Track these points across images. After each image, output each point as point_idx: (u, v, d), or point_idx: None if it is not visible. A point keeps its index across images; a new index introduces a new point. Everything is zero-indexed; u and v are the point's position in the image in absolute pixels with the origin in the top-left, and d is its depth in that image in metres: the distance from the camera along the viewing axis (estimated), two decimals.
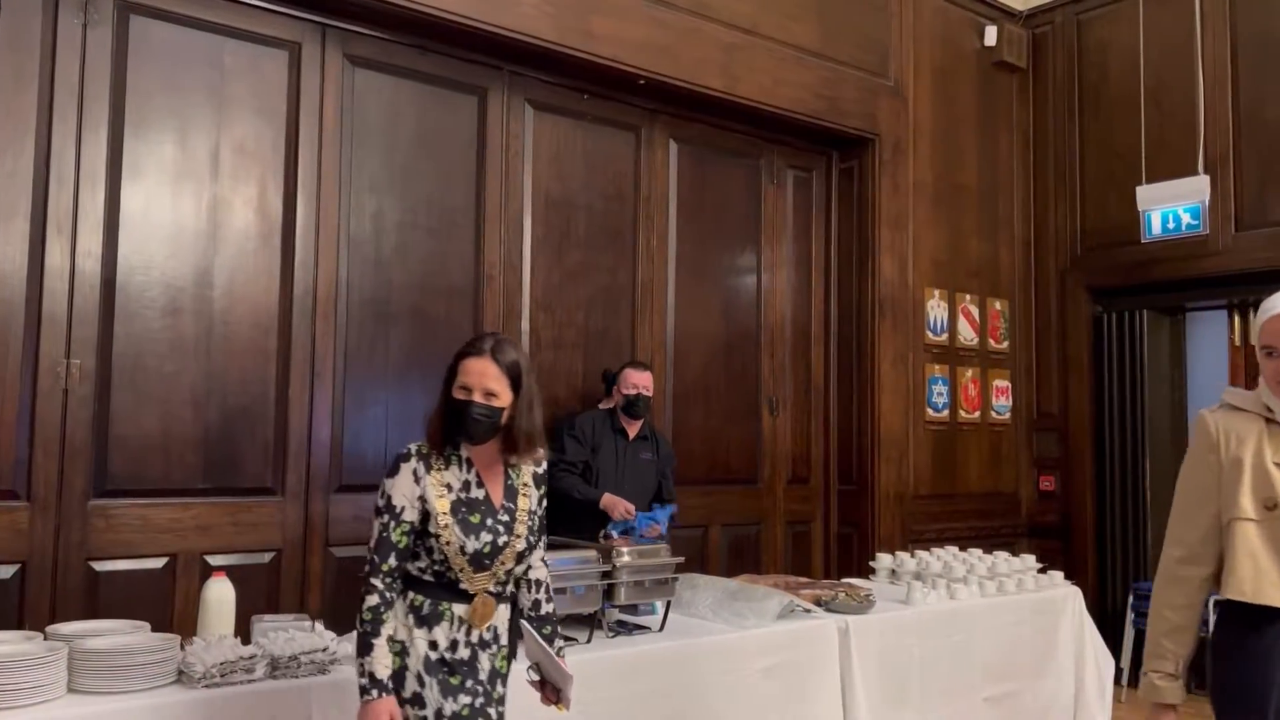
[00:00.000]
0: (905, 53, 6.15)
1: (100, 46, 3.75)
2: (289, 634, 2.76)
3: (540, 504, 2.49)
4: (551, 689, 2.47)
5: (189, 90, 3.94)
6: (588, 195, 5.07)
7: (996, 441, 6.61)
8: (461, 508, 2.33)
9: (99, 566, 3.68)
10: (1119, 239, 6.34)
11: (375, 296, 4.37)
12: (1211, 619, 2.52)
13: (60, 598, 3.57)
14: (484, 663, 2.34)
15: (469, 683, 2.31)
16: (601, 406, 4.69)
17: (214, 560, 3.84)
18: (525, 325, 4.79)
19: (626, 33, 4.86)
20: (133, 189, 3.80)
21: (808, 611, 3.77)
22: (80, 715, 2.40)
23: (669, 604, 3.49)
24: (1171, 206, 5.97)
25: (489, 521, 2.35)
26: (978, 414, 6.49)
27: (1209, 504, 2.42)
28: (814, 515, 6.00)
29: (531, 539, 2.44)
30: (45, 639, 2.60)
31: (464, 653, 2.32)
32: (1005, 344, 6.70)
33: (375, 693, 2.23)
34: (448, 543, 2.29)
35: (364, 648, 2.25)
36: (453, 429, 2.36)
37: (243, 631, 2.86)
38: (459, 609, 2.32)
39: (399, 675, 2.29)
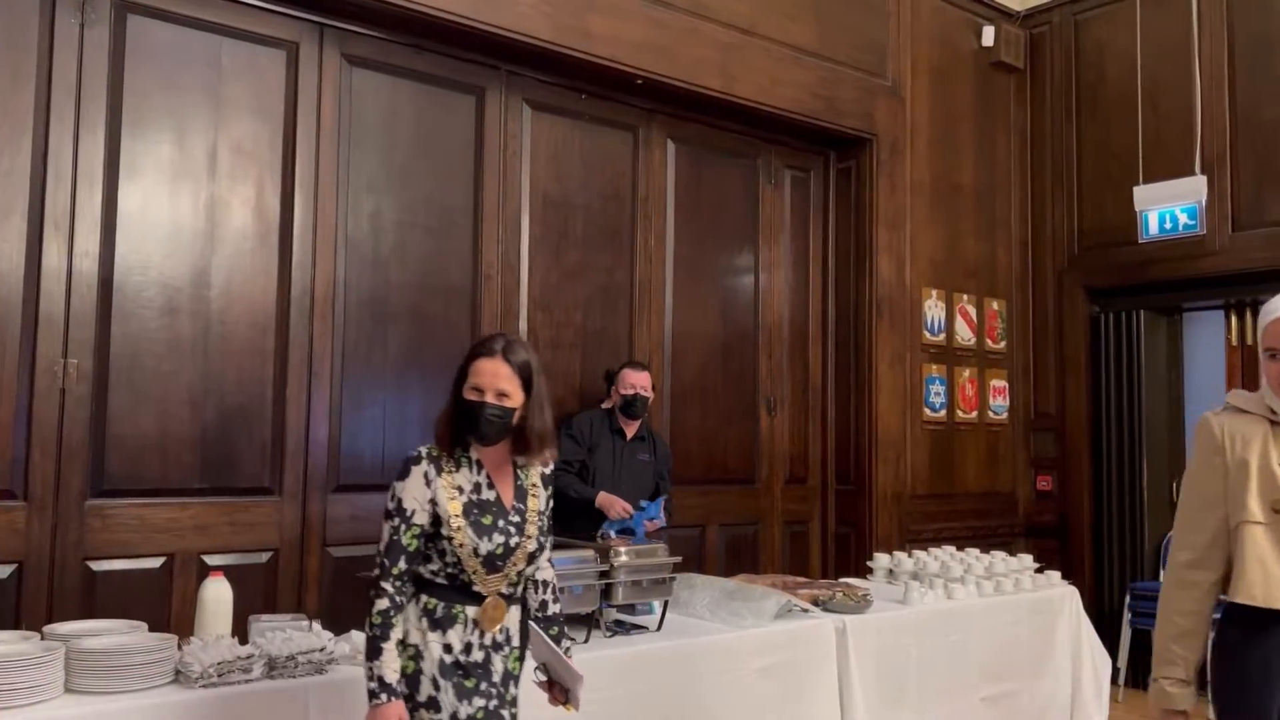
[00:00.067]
0: (903, 53, 6.15)
1: (97, 46, 3.75)
2: (286, 634, 2.75)
3: (548, 504, 2.49)
4: (559, 689, 2.47)
5: (186, 90, 3.94)
6: (585, 195, 5.07)
7: (994, 441, 6.61)
8: (473, 510, 2.32)
9: (96, 566, 3.67)
10: (1116, 239, 6.35)
11: (373, 296, 4.36)
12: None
13: (57, 597, 3.57)
14: (497, 664, 2.34)
15: (483, 685, 2.30)
16: (604, 406, 4.69)
17: (211, 560, 3.84)
18: (523, 325, 4.79)
19: (624, 32, 4.86)
20: (130, 188, 3.80)
21: (805, 611, 3.78)
22: (77, 715, 2.40)
23: (666, 604, 3.48)
24: (1168, 207, 5.97)
25: (500, 523, 2.34)
26: (975, 414, 6.49)
27: (1216, 507, 2.40)
28: (811, 515, 6.00)
29: (542, 539, 2.44)
30: (42, 639, 2.59)
31: (478, 655, 2.31)
32: (1002, 344, 6.70)
33: (384, 697, 2.21)
34: (460, 545, 2.28)
35: (373, 651, 2.23)
36: (462, 430, 2.35)
37: (240, 631, 2.86)
38: (472, 611, 2.31)
39: (414, 679, 2.27)
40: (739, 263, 5.71)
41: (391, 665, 2.23)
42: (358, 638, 2.89)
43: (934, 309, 6.30)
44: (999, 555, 4.79)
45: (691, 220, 5.49)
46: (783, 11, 5.54)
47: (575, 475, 4.44)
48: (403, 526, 2.28)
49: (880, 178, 5.99)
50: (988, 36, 6.60)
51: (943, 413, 6.30)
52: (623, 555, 3.30)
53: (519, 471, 2.45)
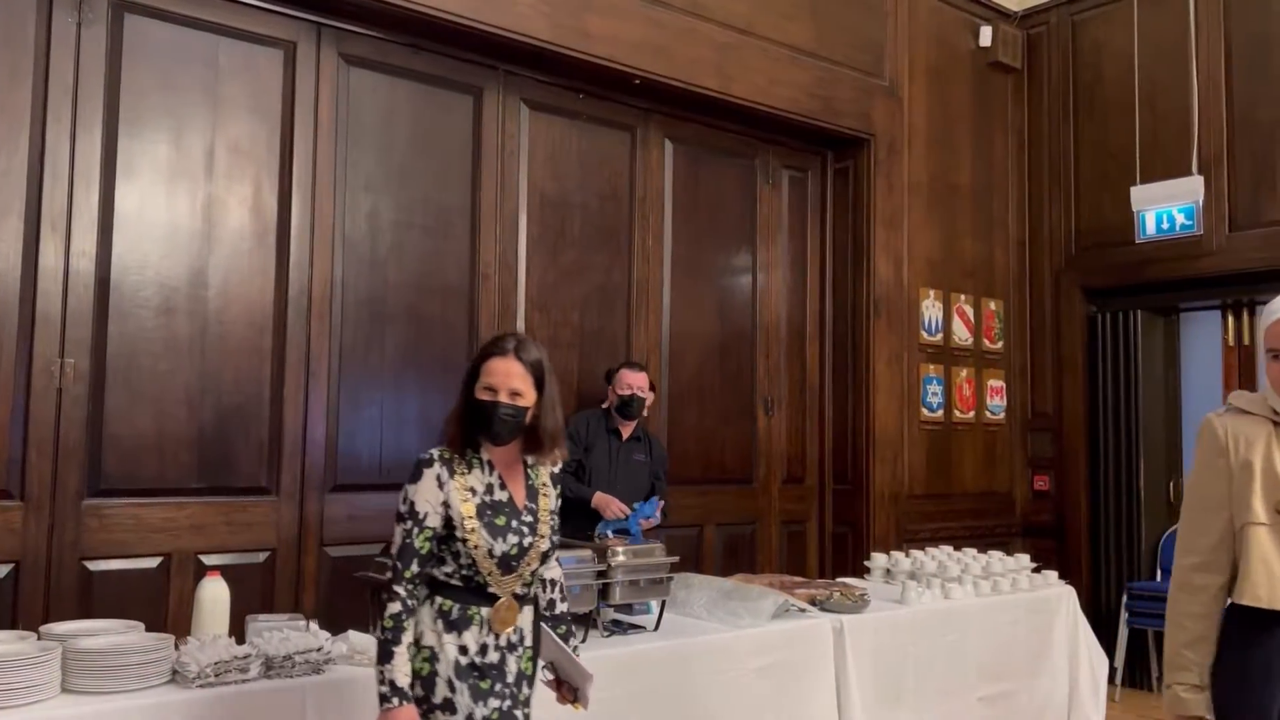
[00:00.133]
0: (900, 53, 6.15)
1: (95, 45, 3.75)
2: (283, 634, 2.75)
3: (557, 503, 2.49)
4: (568, 688, 2.47)
5: (184, 89, 3.94)
6: (583, 195, 5.07)
7: (991, 441, 6.62)
8: (487, 510, 2.32)
9: (93, 566, 3.67)
10: (1113, 239, 6.35)
11: (370, 296, 4.36)
12: None
13: (54, 597, 3.57)
14: (511, 665, 2.33)
15: (498, 686, 2.30)
16: (605, 406, 4.69)
17: (208, 560, 3.83)
18: (520, 325, 4.79)
19: (622, 32, 4.86)
20: (127, 188, 3.79)
21: (803, 611, 3.78)
22: (74, 715, 2.39)
23: (664, 603, 3.49)
24: (1166, 207, 5.98)
25: (514, 523, 2.34)
26: (972, 414, 6.49)
27: (1221, 509, 2.39)
28: (809, 515, 6.00)
29: (554, 539, 2.44)
30: (39, 639, 2.59)
31: (493, 656, 2.30)
32: (1000, 344, 6.70)
33: (396, 701, 2.20)
34: (475, 546, 2.27)
35: (385, 655, 2.22)
36: (474, 430, 2.35)
37: (237, 631, 2.86)
38: (487, 612, 2.30)
39: (429, 681, 2.26)
40: (736, 262, 5.71)
41: (403, 669, 2.22)
42: (355, 637, 2.89)
43: (931, 309, 6.30)
44: (996, 555, 4.80)
45: (689, 220, 5.49)
46: (780, 11, 5.54)
47: (571, 475, 4.44)
48: (415, 529, 2.27)
49: (878, 178, 5.99)
50: (985, 37, 6.60)
51: (940, 413, 6.30)
52: (620, 555, 3.30)
53: (529, 471, 2.45)
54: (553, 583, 2.55)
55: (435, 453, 2.34)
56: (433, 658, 2.27)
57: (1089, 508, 6.50)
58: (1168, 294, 6.36)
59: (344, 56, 4.35)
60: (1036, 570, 4.74)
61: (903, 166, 6.13)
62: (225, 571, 3.09)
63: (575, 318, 5.01)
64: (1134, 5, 6.28)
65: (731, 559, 5.54)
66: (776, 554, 5.79)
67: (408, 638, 2.24)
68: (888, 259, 6.02)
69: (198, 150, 3.95)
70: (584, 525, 4.05)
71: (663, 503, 4.44)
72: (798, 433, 5.96)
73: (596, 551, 3.29)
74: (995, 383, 6.66)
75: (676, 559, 3.51)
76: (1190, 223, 5.90)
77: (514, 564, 2.32)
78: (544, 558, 2.40)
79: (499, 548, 2.29)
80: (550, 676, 2.48)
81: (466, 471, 2.34)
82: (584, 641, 3.20)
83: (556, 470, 2.53)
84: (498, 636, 2.31)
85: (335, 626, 3.00)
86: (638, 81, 5.02)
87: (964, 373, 6.47)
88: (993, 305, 6.66)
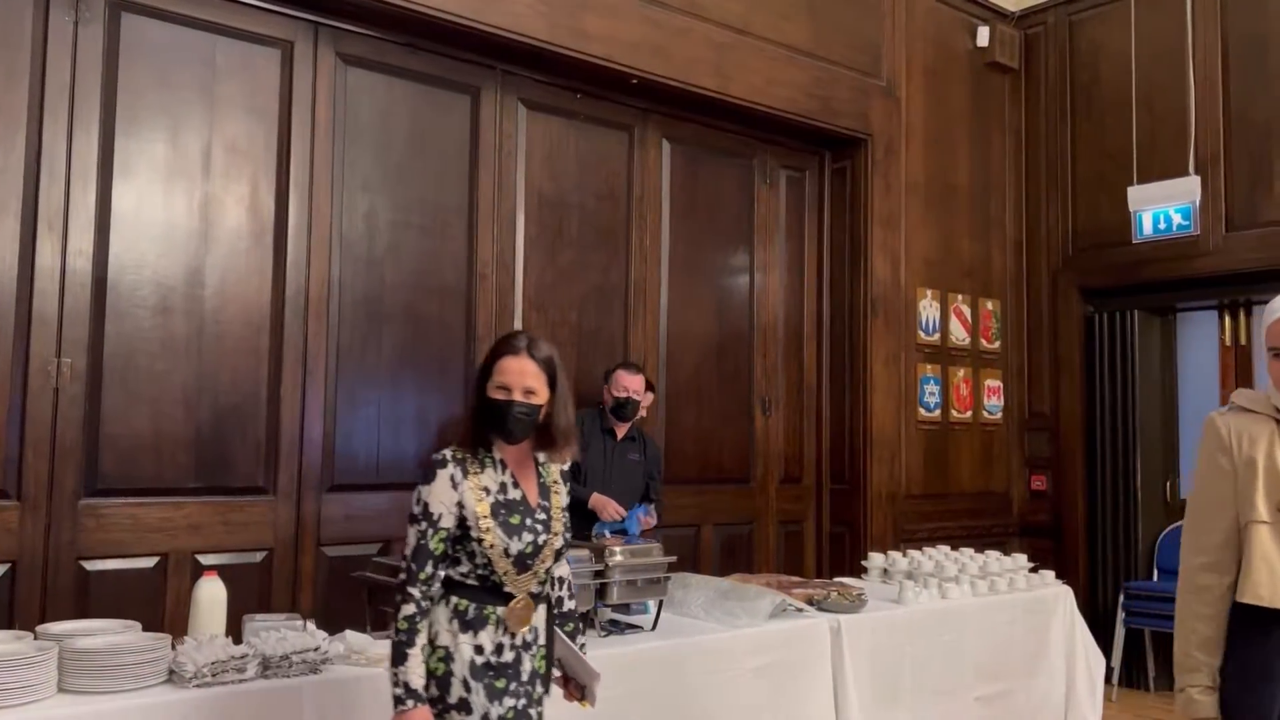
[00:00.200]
0: (898, 53, 6.16)
1: (92, 44, 3.74)
2: (281, 633, 2.75)
3: (567, 500, 2.50)
4: (575, 686, 2.47)
5: (181, 88, 3.93)
6: (580, 194, 5.07)
7: (988, 441, 6.62)
8: (501, 510, 2.31)
9: (90, 566, 3.67)
10: (1110, 239, 6.36)
11: (368, 296, 4.36)
12: None
13: (50, 597, 3.56)
14: (525, 664, 2.33)
15: (513, 685, 2.30)
16: (601, 405, 4.69)
17: (205, 560, 3.83)
18: (518, 325, 4.78)
19: (619, 32, 4.85)
20: (124, 187, 3.79)
21: (800, 611, 3.78)
22: (71, 715, 2.39)
23: (661, 603, 3.48)
24: (1163, 207, 5.99)
25: (528, 521, 2.34)
26: (969, 414, 6.50)
27: (1226, 508, 2.38)
28: (806, 515, 6.01)
29: (566, 535, 2.44)
30: (35, 639, 2.58)
31: (509, 656, 2.30)
32: (997, 344, 6.71)
33: (410, 702, 2.19)
34: (491, 546, 2.27)
35: (399, 657, 2.21)
36: (487, 429, 2.35)
37: (234, 631, 2.85)
38: (503, 611, 2.30)
39: (444, 681, 2.26)
40: (734, 262, 5.71)
41: (417, 671, 2.21)
42: (352, 637, 2.89)
43: (929, 309, 6.30)
44: (993, 555, 4.80)
45: (686, 220, 5.49)
46: (777, 11, 5.54)
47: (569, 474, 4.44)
48: (429, 531, 2.26)
49: (875, 178, 6.00)
50: (982, 37, 6.60)
51: (937, 412, 6.30)
52: (617, 555, 3.30)
53: (540, 469, 2.45)
54: (561, 580, 2.55)
55: (448, 453, 2.34)
56: (448, 657, 2.27)
57: (1086, 507, 6.51)
58: (1165, 294, 6.37)
59: (341, 56, 4.34)
60: (1033, 570, 4.75)
61: (900, 166, 6.13)
62: (222, 571, 3.08)
63: (573, 317, 5.01)
64: (1131, 6, 6.29)
65: (729, 559, 5.54)
66: (774, 554, 5.80)
67: (422, 639, 2.24)
68: (885, 259, 6.02)
69: (195, 149, 3.95)
70: (581, 525, 4.05)
71: (651, 504, 4.45)
72: (795, 432, 5.96)
73: (594, 551, 3.29)
74: (992, 383, 6.66)
75: (674, 559, 3.51)
76: (1187, 223, 5.91)
77: (529, 562, 2.32)
78: (558, 555, 2.41)
79: (514, 546, 2.29)
80: (558, 673, 2.48)
81: (480, 471, 2.34)
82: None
83: (567, 468, 2.53)
84: (513, 636, 2.31)
85: (332, 626, 2.99)
86: (635, 81, 5.02)
87: (961, 373, 6.47)
88: (990, 305, 6.67)
